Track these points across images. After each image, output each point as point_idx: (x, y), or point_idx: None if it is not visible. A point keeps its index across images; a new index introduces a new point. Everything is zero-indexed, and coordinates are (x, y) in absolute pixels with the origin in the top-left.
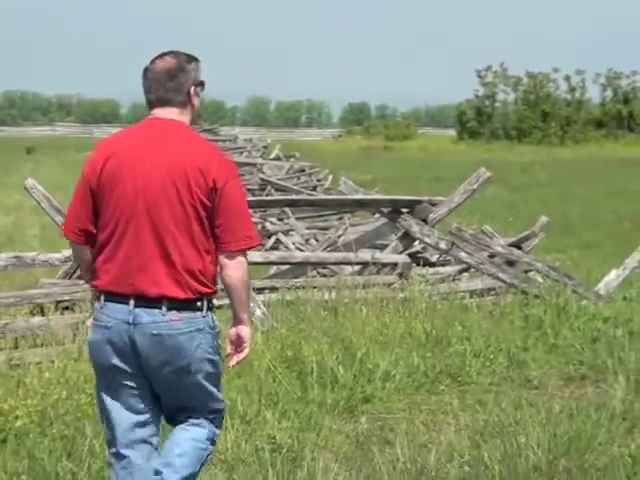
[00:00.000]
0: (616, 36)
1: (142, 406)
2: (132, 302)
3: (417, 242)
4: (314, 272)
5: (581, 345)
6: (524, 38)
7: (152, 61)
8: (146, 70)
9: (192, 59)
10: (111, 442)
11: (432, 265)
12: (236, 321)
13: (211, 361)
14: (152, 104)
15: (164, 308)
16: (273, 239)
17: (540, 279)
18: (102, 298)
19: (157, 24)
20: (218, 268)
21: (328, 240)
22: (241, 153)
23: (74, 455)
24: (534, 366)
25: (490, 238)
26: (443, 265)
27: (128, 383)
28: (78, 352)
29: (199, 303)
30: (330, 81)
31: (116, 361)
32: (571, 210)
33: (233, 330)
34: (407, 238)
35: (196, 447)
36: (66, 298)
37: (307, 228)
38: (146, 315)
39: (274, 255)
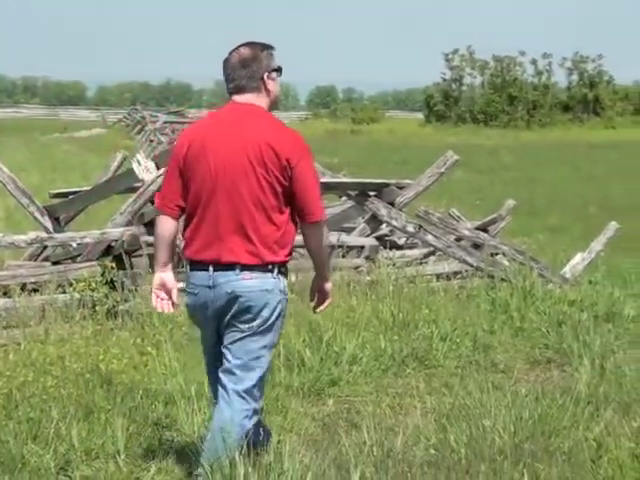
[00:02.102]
0: (583, 20)
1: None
2: (211, 268)
3: (384, 225)
4: None
5: (547, 329)
6: (491, 21)
7: (230, 53)
8: (225, 62)
9: (265, 48)
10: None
11: (399, 248)
12: (318, 277)
13: (273, 324)
14: (231, 92)
15: (237, 270)
16: None
17: (506, 262)
18: (188, 267)
19: (124, 4)
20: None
21: None
22: None
23: (40, 438)
24: (500, 350)
25: (457, 221)
26: (410, 248)
27: (215, 337)
28: (45, 334)
29: (270, 266)
30: (297, 64)
31: (205, 321)
32: (537, 194)
33: (316, 284)
34: (374, 221)
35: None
36: (32, 280)
37: None
38: (222, 277)
39: None
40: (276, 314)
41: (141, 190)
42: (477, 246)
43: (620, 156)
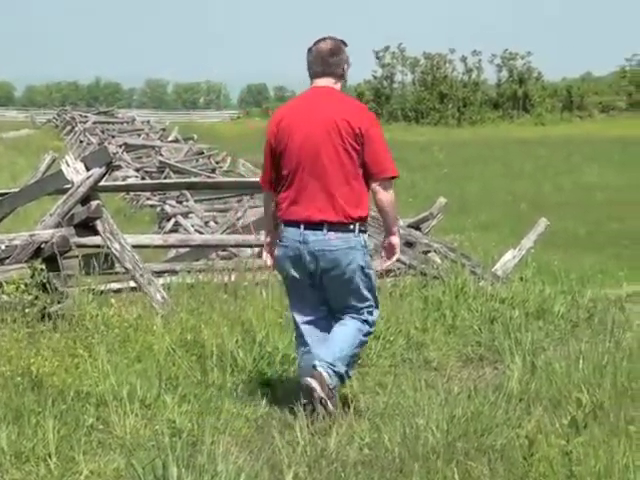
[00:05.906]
0: (512, 16)
1: (309, 309)
2: (302, 226)
3: None
4: (213, 255)
5: (479, 326)
6: (421, 18)
7: (315, 43)
8: (311, 50)
9: (345, 43)
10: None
11: None
12: (387, 233)
13: (363, 272)
14: (316, 75)
15: (325, 230)
16: (172, 222)
17: (439, 260)
18: (282, 225)
19: (52, 3)
20: (370, 195)
21: (227, 222)
22: (139, 135)
23: None
24: (433, 347)
25: None
26: None
27: (302, 288)
28: None
29: (352, 226)
30: (228, 63)
31: (293, 271)
32: (469, 191)
33: (386, 240)
34: None
35: (352, 334)
36: None
37: (206, 210)
38: (312, 235)
39: (173, 238)
40: (363, 265)
41: (71, 191)
42: (410, 244)
43: (549, 152)
